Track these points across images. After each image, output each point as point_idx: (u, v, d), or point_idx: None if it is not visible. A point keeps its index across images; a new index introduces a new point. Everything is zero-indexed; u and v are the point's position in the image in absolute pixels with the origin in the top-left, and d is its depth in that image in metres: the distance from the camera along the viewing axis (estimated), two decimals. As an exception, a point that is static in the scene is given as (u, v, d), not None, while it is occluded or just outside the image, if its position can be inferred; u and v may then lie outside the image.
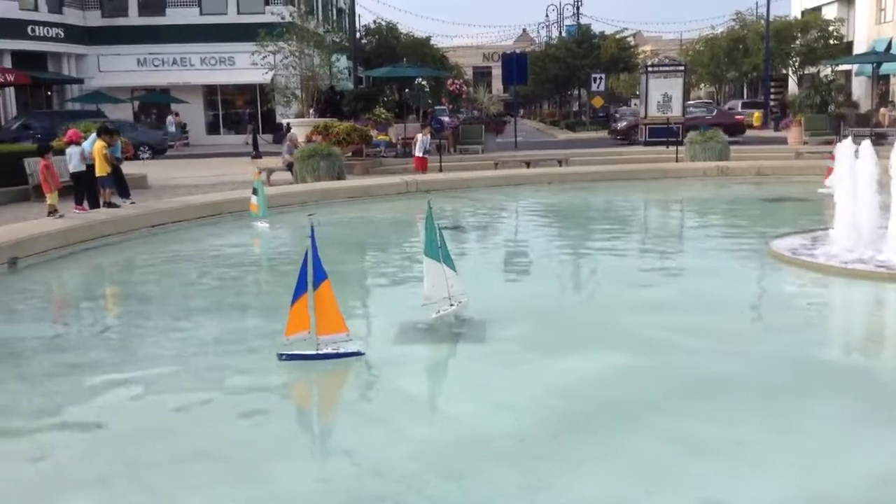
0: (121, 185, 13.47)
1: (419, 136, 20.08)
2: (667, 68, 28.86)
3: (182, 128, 39.25)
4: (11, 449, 4.53)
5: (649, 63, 31.06)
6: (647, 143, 27.02)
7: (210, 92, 41.56)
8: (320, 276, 5.46)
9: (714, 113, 33.97)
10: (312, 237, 5.44)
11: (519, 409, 4.76)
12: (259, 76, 28.66)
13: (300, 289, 5.48)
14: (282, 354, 5.58)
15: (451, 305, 6.39)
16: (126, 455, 4.31)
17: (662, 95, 27.53)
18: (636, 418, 4.61)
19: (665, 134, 24.79)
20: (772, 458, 4.11)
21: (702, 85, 65.93)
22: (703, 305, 7.18)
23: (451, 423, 4.67)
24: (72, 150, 12.76)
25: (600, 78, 42.33)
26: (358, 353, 5.62)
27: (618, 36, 57.41)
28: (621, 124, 35.30)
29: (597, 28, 57.72)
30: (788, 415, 4.68)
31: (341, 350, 5.57)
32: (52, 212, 11.52)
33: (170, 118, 38.49)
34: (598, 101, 44.11)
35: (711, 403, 4.85)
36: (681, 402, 4.87)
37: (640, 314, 6.86)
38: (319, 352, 5.52)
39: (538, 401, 4.88)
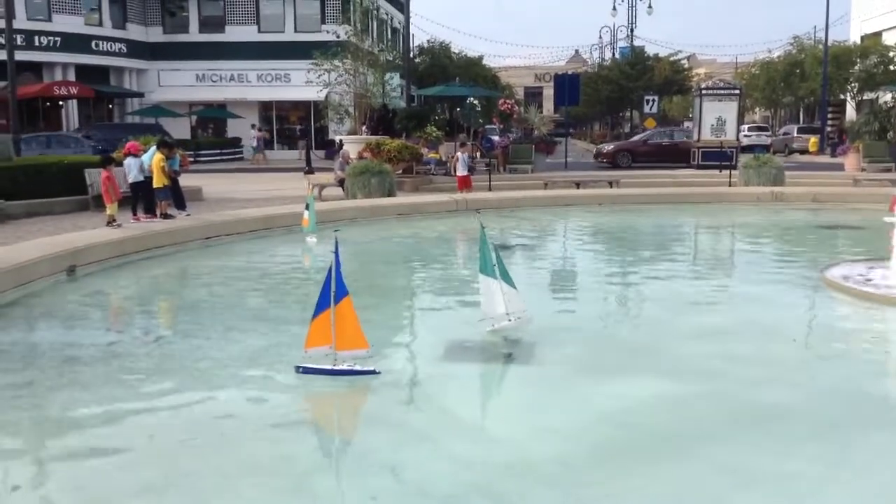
0: (177, 198, 13.76)
1: (458, 154, 19.94)
2: (721, 91, 28.54)
3: (265, 143, 39.06)
4: (65, 453, 4.64)
5: (703, 86, 30.75)
6: (699, 167, 26.71)
7: (265, 108, 42.33)
8: (342, 291, 5.50)
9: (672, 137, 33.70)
10: (336, 253, 5.49)
11: (565, 434, 4.72)
12: (314, 93, 29.15)
13: (323, 303, 5.54)
14: (299, 367, 5.64)
15: (510, 321, 6.51)
16: (176, 465, 4.39)
17: (716, 119, 27.23)
18: (685, 447, 4.54)
19: (718, 157, 24.48)
20: (824, 492, 4.01)
21: (757, 109, 65.07)
22: (755, 333, 7.05)
23: (496, 444, 4.65)
24: (130, 162, 13.08)
25: (653, 100, 42.04)
26: (373, 372, 5.61)
27: (672, 58, 57.05)
28: (608, 147, 34.84)
29: (650, 50, 57.44)
30: (842, 448, 4.56)
31: (357, 367, 5.58)
32: (111, 221, 11.82)
33: (252, 133, 38.84)
34: (650, 123, 43.74)
35: (763, 434, 4.75)
36: (731, 433, 4.78)
37: (692, 341, 6.77)
38: (335, 367, 5.56)
39: (585, 426, 4.84)
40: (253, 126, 39.47)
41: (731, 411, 5.12)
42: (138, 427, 5.01)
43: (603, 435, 4.72)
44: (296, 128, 42.49)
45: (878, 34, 46.82)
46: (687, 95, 56.63)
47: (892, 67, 42.48)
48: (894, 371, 6.57)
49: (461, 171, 19.17)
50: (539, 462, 4.33)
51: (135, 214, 12.72)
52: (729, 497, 4.01)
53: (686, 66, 60.80)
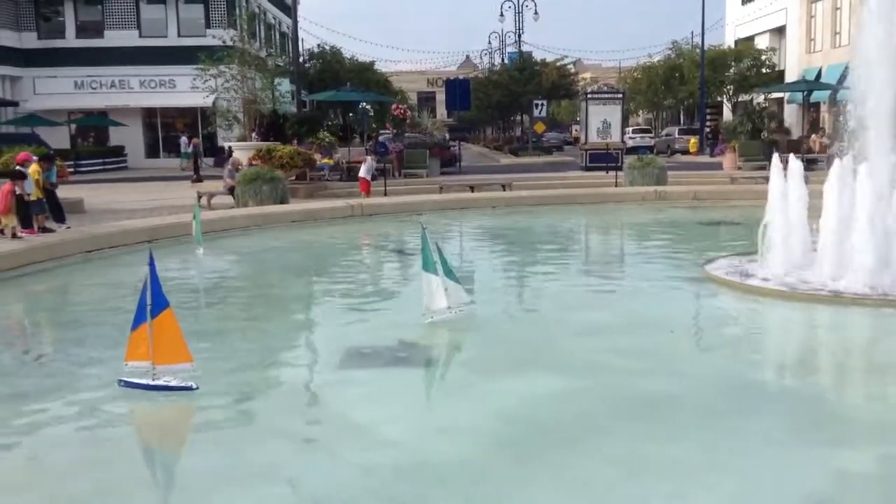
0: (56, 210, 13.16)
1: (369, 158, 20.16)
2: (606, 95, 29.46)
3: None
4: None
5: (589, 90, 31.69)
6: (587, 169, 27.47)
7: (149, 115, 40.95)
8: (161, 304, 5.37)
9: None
10: (151, 264, 5.36)
11: (461, 433, 4.78)
12: (200, 99, 28.42)
13: (140, 317, 5.41)
14: (121, 380, 5.51)
15: (452, 313, 7.02)
16: (62, 488, 4.19)
17: (602, 122, 28.09)
18: (577, 440, 4.67)
19: (605, 160, 25.27)
20: (710, 476, 4.21)
21: (640, 112, 67.48)
22: (640, 327, 7.31)
23: (393, 448, 4.66)
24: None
25: (542, 104, 43.01)
26: (190, 388, 5.41)
27: (558, 63, 58.51)
28: None
29: (538, 55, 58.68)
30: (725, 434, 4.79)
31: (172, 382, 5.42)
32: (13, 234, 11.31)
33: (183, 139, 37.11)
34: (539, 127, 44.74)
35: (650, 424, 4.94)
36: (620, 424, 4.95)
37: (580, 336, 6.97)
38: (153, 382, 5.41)
39: (480, 424, 4.91)
40: (184, 133, 37.90)
41: (617, 403, 5.31)
42: (21, 449, 4.77)
43: (498, 432, 4.80)
44: (180, 135, 41.23)
45: (750, 38, 49.40)
46: (574, 99, 58.19)
47: (764, 70, 44.88)
48: (772, 359, 6.94)
49: (363, 174, 19.35)
50: (435, 463, 4.37)
51: (26, 227, 12.06)
52: (619, 486, 4.15)
53: (572, 70, 62.46)
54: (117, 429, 5.13)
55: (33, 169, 12.16)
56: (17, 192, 11.72)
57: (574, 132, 66.04)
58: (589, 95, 29.52)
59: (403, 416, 5.21)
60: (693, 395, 5.48)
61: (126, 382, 5.49)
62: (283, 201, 17.50)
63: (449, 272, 7.12)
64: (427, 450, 4.56)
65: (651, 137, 49.53)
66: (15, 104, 38.40)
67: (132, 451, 4.77)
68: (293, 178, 20.96)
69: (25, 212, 12.00)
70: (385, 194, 19.78)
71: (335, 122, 37.12)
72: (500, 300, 8.96)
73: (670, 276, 9.86)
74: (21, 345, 7.65)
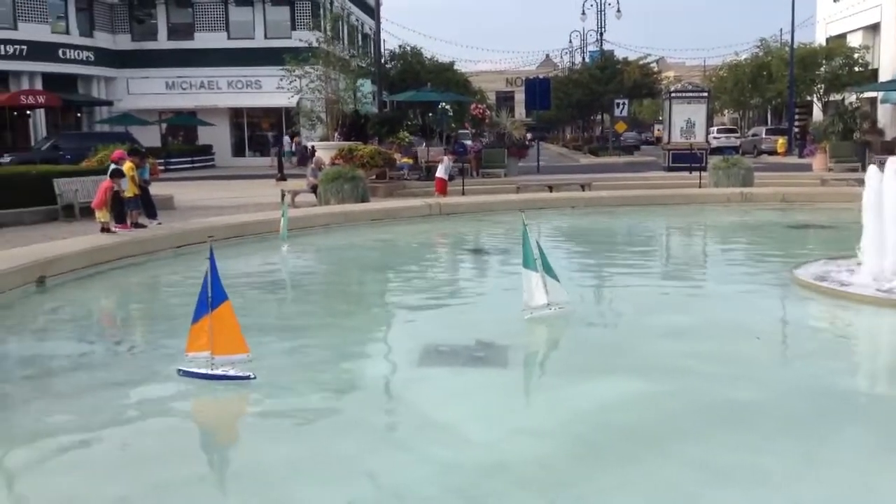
0: (148, 207, 13.66)
1: (445, 158, 20.19)
2: (690, 94, 28.83)
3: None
4: (39, 466, 4.58)
5: (672, 89, 31.07)
6: (670, 169, 26.96)
7: (236, 115, 42.11)
8: (220, 297, 5.56)
9: None
10: (212, 259, 5.54)
11: (541, 435, 4.76)
12: (285, 100, 29.06)
13: (201, 310, 5.57)
14: (180, 370, 5.68)
15: (550, 310, 7.07)
16: (149, 475, 4.35)
17: (686, 121, 27.51)
18: (659, 445, 4.59)
19: (688, 160, 24.74)
20: (794, 486, 4.08)
21: (725, 111, 65.83)
22: (725, 332, 7.14)
23: (472, 447, 4.66)
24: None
25: (623, 103, 42.41)
26: (247, 377, 5.56)
27: (641, 62, 57.57)
28: None
29: (620, 54, 58.06)
30: (812, 443, 4.64)
31: (231, 372, 5.57)
32: (105, 229, 11.80)
33: (286, 139, 38.28)
34: (620, 127, 44.11)
35: (735, 431, 4.82)
36: (704, 430, 4.84)
37: (663, 340, 6.84)
38: (211, 372, 5.57)
39: (561, 427, 4.87)
40: (288, 133, 38.92)
41: (701, 409, 5.19)
42: (112, 436, 4.97)
43: (579, 435, 4.75)
44: (267, 134, 42.25)
45: (842, 36, 47.56)
46: (657, 98, 57.16)
47: (856, 69, 43.17)
48: (863, 368, 6.68)
49: (440, 174, 19.32)
50: (515, 463, 4.36)
51: (120, 222, 12.54)
52: (702, 493, 4.06)
53: (655, 69, 61.32)
54: (203, 419, 5.31)
55: (128, 167, 12.64)
56: (115, 190, 12.22)
57: (656, 132, 64.94)
58: (672, 94, 28.96)
59: (483, 415, 5.21)
60: (779, 403, 5.31)
61: (185, 372, 5.66)
62: (363, 200, 17.75)
63: (549, 269, 7.21)
64: (507, 450, 4.55)
65: (737, 137, 48.24)
66: (109, 103, 40.10)
67: (216, 441, 4.92)
68: (373, 177, 21.23)
69: (120, 208, 12.49)
70: (463, 193, 19.84)
71: (414, 122, 37.41)
72: (579, 302, 8.86)
73: (757, 281, 9.59)
74: (114, 336, 7.98)
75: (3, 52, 35.53)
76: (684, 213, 16.55)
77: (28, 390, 5.83)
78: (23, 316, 8.25)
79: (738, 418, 5.02)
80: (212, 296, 5.52)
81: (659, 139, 46.55)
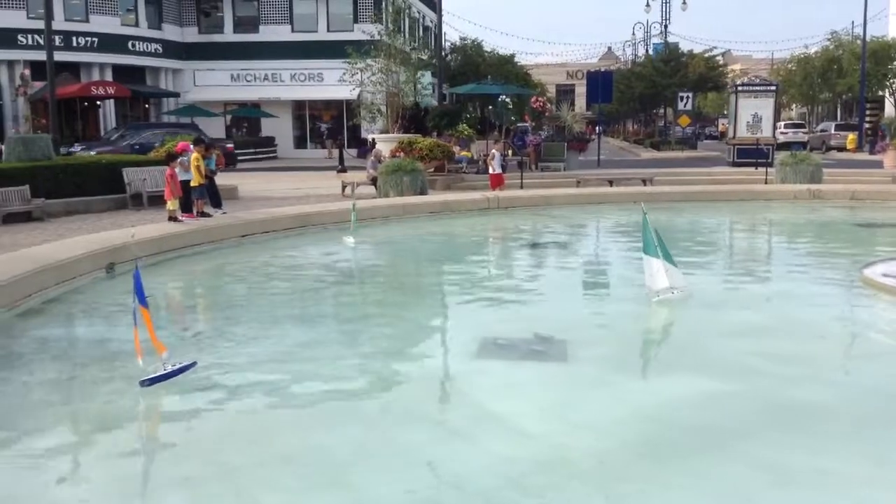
0: (214, 196, 13.95)
1: (494, 151, 19.75)
2: (757, 88, 28.18)
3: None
4: (108, 447, 4.74)
5: (739, 82, 30.38)
6: (735, 164, 26.42)
7: (298, 107, 42.66)
8: (144, 303, 5.74)
9: None
10: (137, 276, 5.73)
11: (601, 431, 4.73)
12: (346, 92, 29.33)
13: (137, 317, 5.69)
14: (144, 380, 5.47)
15: (673, 293, 7.44)
16: (215, 457, 4.46)
17: (752, 115, 26.90)
18: (722, 445, 4.52)
19: (754, 155, 24.20)
20: (861, 489, 3.98)
21: (793, 105, 64.17)
22: (792, 331, 6.99)
23: (530, 440, 4.66)
24: (182, 160, 13.22)
25: (687, 97, 41.67)
26: (194, 364, 5.73)
27: (706, 54, 56.42)
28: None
29: (685, 46, 56.83)
30: (881, 446, 4.51)
31: (178, 365, 5.63)
32: (173, 217, 12.10)
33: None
34: (684, 121, 43.37)
35: (799, 432, 4.72)
36: (768, 431, 4.75)
37: (728, 338, 6.72)
38: (169, 370, 5.56)
39: (621, 423, 4.84)
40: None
41: (767, 409, 5.09)
42: (179, 417, 5.11)
43: (638, 431, 4.71)
44: (321, 126, 42.70)
45: (917, 29, 45.95)
46: (722, 92, 56.00)
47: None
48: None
49: (496, 170, 19.04)
50: (574, 458, 4.34)
51: (186, 211, 12.83)
52: (766, 494, 3.98)
53: (721, 62, 60.03)
54: (265, 404, 5.39)
55: (194, 157, 12.92)
56: (181, 179, 12.51)
57: (721, 126, 63.66)
58: (739, 88, 28.34)
59: (541, 409, 5.20)
60: (848, 405, 5.18)
61: (150, 380, 5.48)
62: (422, 192, 17.82)
63: (667, 256, 7.54)
64: (566, 445, 4.54)
65: (805, 133, 46.92)
66: (176, 95, 41.03)
67: (279, 425, 5.00)
68: (432, 169, 21.29)
69: (187, 197, 12.79)
70: (521, 187, 19.75)
71: (474, 116, 37.43)
72: (640, 298, 8.77)
73: (825, 279, 9.35)
74: (180, 322, 8.19)
75: (75, 44, 36.60)
76: (750, 210, 16.21)
77: (97, 372, 6.01)
78: (93, 301, 8.52)
79: (805, 419, 4.92)
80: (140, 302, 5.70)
81: (723, 134, 45.57)
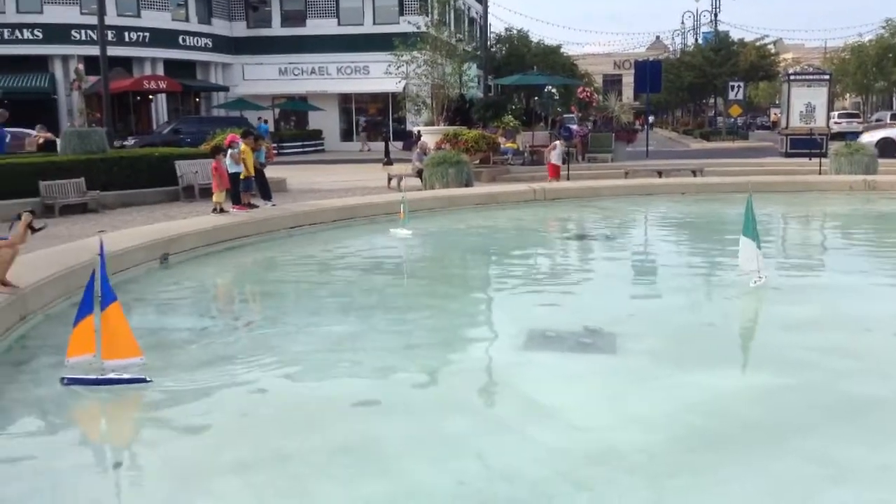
0: (263, 188, 14.12)
1: (557, 143, 19.87)
2: (810, 77, 27.53)
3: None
4: (161, 434, 4.83)
5: (791, 71, 29.71)
6: (788, 155, 25.88)
7: (345, 100, 42.93)
8: (109, 297, 5.24)
9: None
10: (102, 256, 5.29)
11: (651, 424, 4.68)
12: (392, 85, 29.43)
13: (85, 309, 5.27)
14: (64, 378, 5.33)
15: (760, 278, 7.66)
16: (269, 443, 4.53)
17: (805, 105, 26.30)
18: (776, 439, 4.44)
19: (807, 145, 23.67)
20: (925, 489, 3.87)
21: (847, 95, 62.58)
22: (850, 324, 6.83)
23: (580, 433, 4.64)
24: (232, 153, 13.37)
25: (738, 86, 40.90)
26: (143, 380, 5.31)
27: (758, 43, 55.25)
28: None
29: (735, 35, 55.74)
30: (943, 445, 4.39)
31: (125, 376, 5.30)
32: (219, 209, 12.28)
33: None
34: (735, 110, 42.58)
35: (858, 428, 4.61)
36: (826, 426, 4.65)
37: (781, 332, 6.60)
38: (102, 377, 5.29)
39: (672, 416, 4.78)
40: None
41: (823, 403, 4.99)
42: (231, 406, 5.19)
43: (690, 425, 4.66)
44: (360, 119, 42.90)
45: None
46: (773, 82, 54.86)
47: None
48: None
49: (555, 161, 19.03)
50: (624, 451, 4.30)
51: (236, 203, 12.98)
52: (822, 490, 3.91)
53: (773, 51, 58.75)
54: (314, 392, 5.45)
55: (244, 149, 13.07)
56: (231, 171, 12.67)
57: (773, 116, 62.46)
58: (791, 77, 27.74)
59: (591, 401, 5.17)
60: (907, 401, 5.05)
61: (70, 380, 5.32)
62: (467, 184, 17.80)
63: (757, 239, 7.73)
64: (616, 438, 4.50)
65: (859, 123, 45.71)
66: (226, 89, 41.61)
67: (331, 414, 5.04)
68: (477, 161, 21.23)
69: (236, 189, 12.96)
70: (568, 178, 19.60)
71: (519, 107, 37.19)
72: (690, 290, 8.65)
73: (882, 272, 9.12)
74: (231, 312, 8.32)
75: (127, 39, 37.32)
76: (803, 201, 15.86)
77: (151, 360, 6.13)
78: (147, 290, 8.70)
79: (863, 415, 4.81)
80: (101, 294, 5.22)
81: (775, 124, 44.68)
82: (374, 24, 40.66)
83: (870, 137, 30.52)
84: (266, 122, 38.79)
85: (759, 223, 7.62)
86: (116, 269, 8.89)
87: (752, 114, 64.49)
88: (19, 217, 6.87)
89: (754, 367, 5.63)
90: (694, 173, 20.22)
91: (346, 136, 43.25)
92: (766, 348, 6.15)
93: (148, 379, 5.35)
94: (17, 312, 6.72)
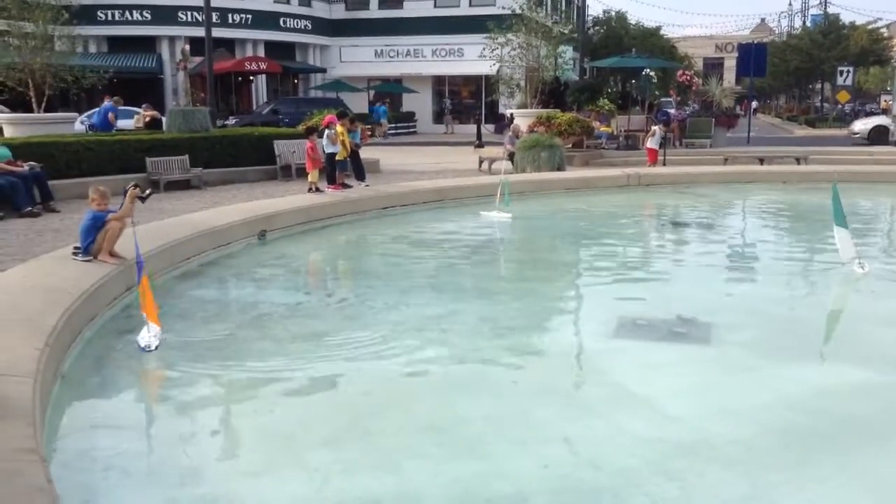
0: (358, 169, 14.32)
1: (656, 128, 19.54)
2: (928, 61, 26.03)
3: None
4: (256, 405, 4.97)
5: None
6: (899, 144, 24.59)
7: (438, 82, 43.04)
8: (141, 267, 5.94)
9: None
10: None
11: (746, 417, 4.56)
12: (486, 67, 29.27)
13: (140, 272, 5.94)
14: (147, 347, 5.73)
15: (860, 266, 7.73)
16: (357, 420, 4.62)
17: (921, 91, 24.91)
18: (880, 438, 4.26)
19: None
20: None
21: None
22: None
23: (671, 423, 4.56)
24: (329, 133, 13.62)
25: (847, 71, 39.03)
26: (147, 349, 5.72)
27: (870, 27, 52.56)
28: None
29: (846, 18, 53.27)
30: None
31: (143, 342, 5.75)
32: (313, 188, 12.57)
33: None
34: (843, 97, 40.69)
35: (970, 433, 4.38)
36: (933, 428, 4.44)
37: (885, 326, 6.30)
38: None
39: (767, 410, 4.65)
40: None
41: (932, 405, 4.75)
42: (323, 381, 5.32)
43: (788, 420, 4.52)
44: (447, 102, 42.96)
45: None
46: (885, 67, 52.12)
47: None
48: None
49: (654, 145, 18.78)
50: (718, 443, 4.21)
51: (331, 183, 13.23)
52: (929, 496, 3.73)
53: (886, 35, 55.78)
54: (403, 371, 5.49)
55: (339, 130, 13.28)
56: (328, 152, 12.92)
57: (884, 103, 59.45)
58: (906, 61, 26.25)
59: (683, 391, 5.07)
60: None
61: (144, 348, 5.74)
62: (559, 168, 17.59)
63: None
64: (709, 430, 4.41)
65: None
66: (323, 71, 42.31)
67: (414, 393, 5.10)
68: (570, 145, 20.97)
69: (331, 169, 13.21)
70: (664, 164, 19.16)
71: (615, 90, 36.53)
72: (790, 281, 8.36)
73: None
74: (325, 288, 8.51)
75: (230, 21, 38.34)
76: (915, 193, 15.06)
77: (249, 332, 6.34)
78: (247, 265, 8.98)
79: (975, 419, 4.55)
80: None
81: (886, 111, 42.43)
82: (470, 6, 40.50)
83: (863, 126, 29.38)
84: (386, 103, 39.40)
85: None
86: (217, 244, 9.25)
87: (862, 100, 61.47)
88: (126, 192, 7.18)
89: (855, 363, 5.40)
90: (798, 161, 19.45)
91: (438, 118, 43.35)
92: (868, 343, 5.88)
93: (152, 348, 5.74)
94: (123, 283, 7.04)
